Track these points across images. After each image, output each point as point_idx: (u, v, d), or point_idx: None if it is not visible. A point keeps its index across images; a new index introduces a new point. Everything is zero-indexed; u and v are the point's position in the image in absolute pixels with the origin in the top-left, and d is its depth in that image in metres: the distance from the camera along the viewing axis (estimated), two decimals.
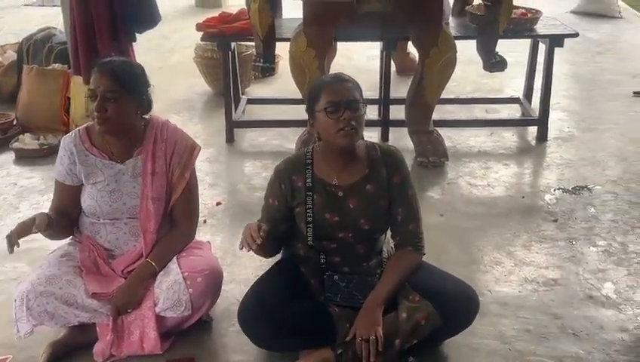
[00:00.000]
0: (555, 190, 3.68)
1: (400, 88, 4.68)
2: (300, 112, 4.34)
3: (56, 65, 4.64)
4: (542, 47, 4.34)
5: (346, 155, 2.27)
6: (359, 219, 2.29)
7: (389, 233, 2.45)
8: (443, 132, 4.14)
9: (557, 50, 4.15)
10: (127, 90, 2.37)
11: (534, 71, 4.59)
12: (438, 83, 3.90)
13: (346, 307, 2.31)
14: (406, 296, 2.25)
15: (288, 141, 4.26)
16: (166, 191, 2.48)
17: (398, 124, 4.21)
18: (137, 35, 4.06)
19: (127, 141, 2.46)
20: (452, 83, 4.08)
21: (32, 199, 3.60)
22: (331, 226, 2.29)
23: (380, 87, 4.43)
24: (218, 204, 3.50)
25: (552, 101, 4.40)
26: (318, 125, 2.25)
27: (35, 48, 4.85)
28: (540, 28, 4.22)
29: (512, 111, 4.76)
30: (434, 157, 3.93)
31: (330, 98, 2.19)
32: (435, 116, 4.10)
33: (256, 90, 5.26)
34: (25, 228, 2.24)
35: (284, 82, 5.05)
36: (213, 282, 2.41)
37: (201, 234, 3.04)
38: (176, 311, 2.33)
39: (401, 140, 4.15)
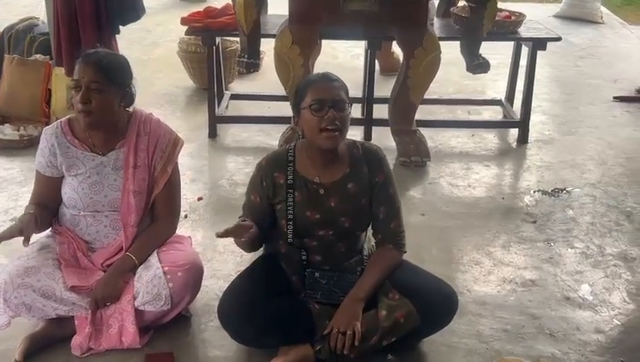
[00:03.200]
0: (534, 192, 3.71)
1: (384, 87, 4.68)
2: (283, 109, 4.36)
3: (38, 56, 4.59)
4: (525, 50, 4.37)
5: (328, 154, 2.28)
6: (340, 217, 2.29)
7: (370, 231, 2.46)
8: (425, 132, 4.15)
9: (539, 53, 4.18)
10: (111, 81, 2.35)
11: (517, 73, 4.62)
12: (421, 83, 3.91)
13: (326, 304, 2.32)
14: (386, 293, 2.26)
15: (271, 137, 4.26)
16: (148, 184, 2.47)
17: (382, 123, 4.21)
18: (121, 27, 4.04)
19: (109, 133, 2.45)
20: (435, 83, 4.09)
21: (11, 190, 3.56)
22: (312, 224, 2.29)
23: (364, 85, 4.43)
24: (199, 199, 3.50)
25: (534, 104, 4.43)
26: (302, 122, 2.26)
27: (17, 38, 4.79)
28: (524, 31, 4.26)
29: (494, 113, 4.79)
30: (416, 156, 3.95)
31: (316, 96, 2.20)
32: (418, 116, 4.11)
33: (240, 85, 5.24)
34: (11, 235, 2.22)
35: (268, 78, 5.03)
36: (194, 277, 2.40)
37: (182, 229, 3.03)
38: (155, 306, 2.33)
39: (384, 139, 4.16)
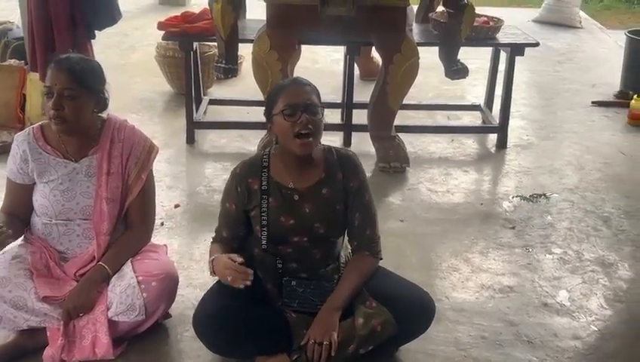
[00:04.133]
0: (513, 197, 3.73)
1: (363, 92, 4.69)
2: (262, 114, 4.31)
3: (13, 60, 4.54)
4: (503, 55, 4.40)
5: (303, 159, 2.28)
6: (314, 223, 2.29)
7: (346, 238, 2.46)
8: (405, 137, 4.17)
9: (518, 58, 4.21)
10: (84, 87, 2.33)
11: (495, 79, 4.64)
12: (400, 89, 3.92)
13: (303, 313, 2.31)
14: (363, 301, 2.26)
15: (250, 143, 4.25)
16: (121, 192, 2.45)
17: (361, 128, 4.21)
18: (97, 32, 4.00)
19: (82, 139, 2.42)
20: (414, 89, 4.11)
21: None
22: (286, 229, 2.29)
23: (344, 91, 4.44)
24: (176, 206, 3.48)
25: (512, 109, 4.46)
26: (275, 129, 2.26)
27: None
28: (502, 36, 4.28)
29: (473, 119, 4.81)
30: (395, 162, 3.96)
31: (288, 101, 2.21)
32: (397, 121, 4.12)
33: (219, 90, 5.22)
34: None
35: (246, 84, 5.03)
36: (168, 286, 2.38)
37: (158, 237, 3.02)
38: (129, 316, 2.30)
39: (364, 145, 4.16)
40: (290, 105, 2.20)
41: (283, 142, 2.26)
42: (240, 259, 2.15)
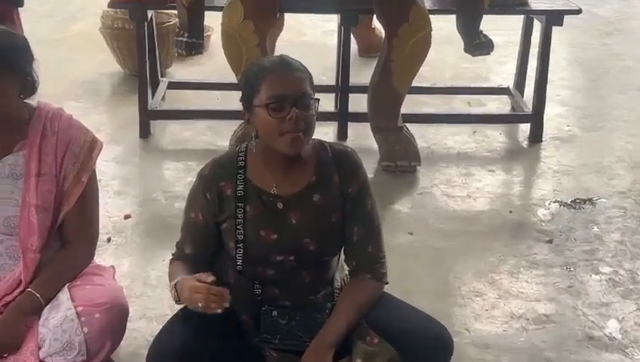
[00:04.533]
0: (550, 203, 3.75)
1: (362, 73, 4.71)
2: (235, 100, 4.29)
3: None
4: (537, 26, 4.41)
5: (290, 158, 2.27)
6: (303, 238, 2.28)
7: (343, 257, 2.44)
8: (414, 129, 4.17)
9: (555, 29, 4.22)
10: (7, 68, 2.31)
11: (527, 55, 4.66)
12: (408, 68, 3.92)
13: (286, 351, 2.29)
14: (362, 336, 2.24)
15: (221, 137, 4.24)
16: (55, 198, 2.43)
17: (360, 118, 4.22)
18: None
19: (6, 132, 2.40)
20: (426, 68, 4.12)
21: None
22: (267, 246, 2.28)
23: (338, 71, 4.46)
24: (127, 217, 3.48)
25: (549, 92, 4.48)
26: (256, 122, 2.24)
27: None
28: (535, 2, 4.30)
29: (500, 105, 4.83)
30: (403, 160, 3.96)
31: (274, 91, 2.18)
32: (404, 109, 4.13)
33: (180, 71, 5.23)
34: None
35: (215, 62, 5.03)
36: (116, 318, 2.37)
37: (104, 257, 3.01)
38: (66, 357, 2.28)
39: (363, 138, 4.17)
40: (278, 98, 2.17)
41: (266, 140, 2.24)
42: (211, 278, 2.13)
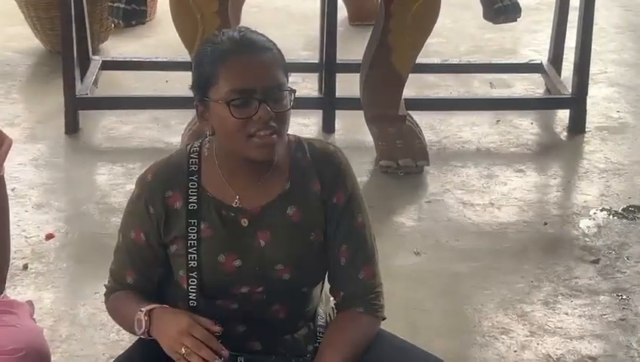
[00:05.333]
0: (596, 212, 3.77)
1: (353, 47, 4.70)
2: (188, 85, 4.28)
3: None
4: None
5: (258, 164, 2.25)
6: (274, 264, 2.26)
7: (327, 286, 2.43)
8: (421, 118, 4.18)
9: None
10: None
11: (566, 22, 4.67)
12: (411, 40, 3.94)
13: None
14: None
15: (170, 132, 4.25)
16: None
17: (350, 104, 4.23)
18: None
19: None
20: (435, 39, 4.12)
21: None
22: (228, 275, 2.26)
23: (322, 44, 4.45)
24: (49, 236, 3.48)
25: (594, 69, 4.51)
26: (213, 121, 2.21)
27: None
28: None
29: (532, 86, 4.85)
30: (406, 159, 3.98)
31: (237, 83, 2.14)
32: (408, 93, 4.13)
33: (118, 46, 5.23)
34: None
35: (162, 35, 5.03)
36: None
37: (18, 289, 3.00)
38: None
39: (355, 132, 4.17)
40: (242, 92, 2.14)
41: (227, 144, 2.23)
42: (217, 328, 2.14)
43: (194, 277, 2.26)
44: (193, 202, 2.27)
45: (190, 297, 2.27)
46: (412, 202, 3.81)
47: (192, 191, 2.27)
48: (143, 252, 2.31)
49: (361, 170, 3.97)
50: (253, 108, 2.14)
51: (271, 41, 2.23)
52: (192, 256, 2.26)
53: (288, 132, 2.34)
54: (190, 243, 2.26)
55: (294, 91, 2.21)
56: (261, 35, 2.24)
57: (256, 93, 2.14)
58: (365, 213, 2.35)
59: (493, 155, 4.21)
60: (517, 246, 3.52)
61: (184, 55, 4.07)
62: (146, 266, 2.32)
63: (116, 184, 3.87)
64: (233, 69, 2.16)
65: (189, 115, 4.05)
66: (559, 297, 3.21)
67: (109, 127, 4.37)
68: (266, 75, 2.17)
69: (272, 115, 2.14)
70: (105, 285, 2.40)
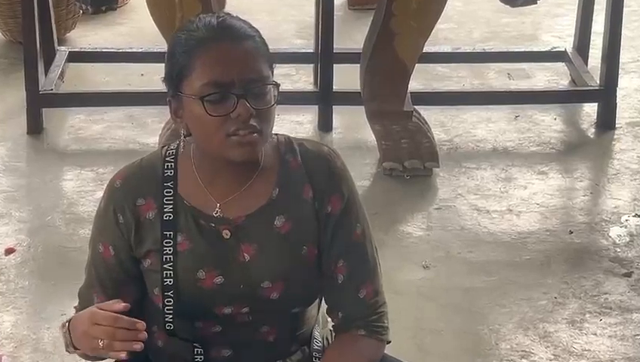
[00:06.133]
0: (628, 219, 3.79)
1: (353, 34, 4.70)
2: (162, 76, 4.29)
3: None
4: None
5: (241, 167, 2.26)
6: (261, 281, 2.26)
7: (323, 306, 2.44)
8: (430, 114, 4.19)
9: None
10: None
11: (592, 3, 4.68)
12: (417, 26, 3.97)
13: None
14: None
15: (146, 131, 4.28)
16: None
17: (349, 99, 4.26)
18: None
19: None
20: (446, 25, 4.12)
21: None
22: (209, 294, 2.27)
23: (317, 31, 4.46)
24: (9, 251, 3.50)
25: (624, 57, 4.50)
26: (188, 119, 2.23)
27: None
28: None
29: (554, 76, 4.86)
30: (413, 160, 4.01)
31: (211, 76, 2.14)
32: (415, 86, 4.14)
33: (86, 36, 5.21)
34: None
35: (136, 21, 5.02)
36: None
37: None
38: None
39: (355, 129, 4.17)
40: (217, 85, 2.14)
41: (203, 143, 2.24)
42: (120, 305, 2.11)
43: (170, 296, 2.26)
44: (169, 211, 2.27)
45: (166, 318, 2.27)
46: (420, 209, 3.83)
47: (167, 199, 2.27)
48: (111, 269, 2.30)
49: (363, 174, 3.99)
50: (230, 105, 2.13)
51: (253, 28, 2.22)
52: (168, 272, 2.26)
53: (280, 132, 2.37)
54: (165, 258, 2.25)
55: (278, 85, 2.21)
56: (242, 21, 2.24)
57: (234, 87, 2.13)
58: (365, 222, 2.35)
59: (511, 155, 4.23)
60: (539, 257, 3.54)
61: (162, 45, 4.06)
62: (115, 284, 2.30)
63: (85, 191, 3.89)
64: (208, 60, 2.15)
65: (167, 113, 4.04)
66: (587, 315, 3.23)
67: (76, 126, 4.37)
68: (246, 66, 2.16)
69: (252, 113, 2.13)
70: (74, 307, 2.39)
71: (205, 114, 2.15)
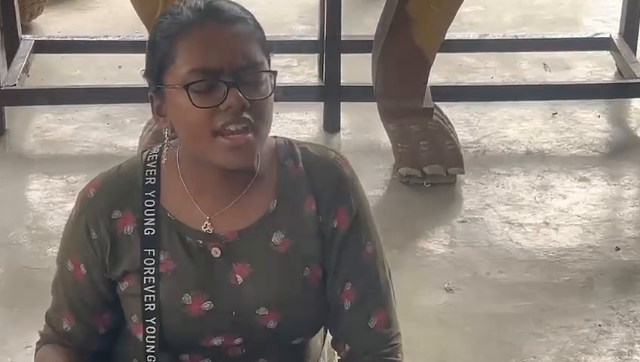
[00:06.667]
0: None
1: (363, 18, 4.69)
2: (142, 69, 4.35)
3: None
4: None
5: (232, 173, 2.22)
6: (256, 308, 2.24)
7: (329, 336, 2.44)
8: (454, 113, 4.20)
9: None
10: None
11: None
12: (438, 9, 3.94)
13: None
14: None
15: (125, 132, 4.31)
16: None
17: (359, 95, 4.27)
18: None
19: None
20: (470, 7, 4.09)
21: None
22: (196, 322, 2.24)
23: (322, 17, 4.45)
24: None
25: None
26: (172, 116, 2.20)
27: None
28: None
29: (598, 67, 4.85)
30: (434, 165, 4.00)
31: (197, 61, 2.12)
32: (435, 78, 4.11)
33: (54, 22, 5.26)
34: None
35: (113, 7, 5.04)
36: None
37: None
38: None
39: (366, 129, 4.20)
40: (204, 72, 2.11)
41: (189, 143, 2.20)
42: None
43: (152, 325, 2.25)
44: (149, 226, 2.25)
45: (147, 350, 2.25)
46: (442, 222, 3.82)
47: (148, 212, 2.26)
48: (82, 290, 2.30)
49: (375, 181, 3.98)
50: (220, 95, 2.10)
51: (245, 10, 2.21)
52: (150, 296, 2.23)
53: (279, 133, 2.30)
54: (146, 280, 2.23)
55: (275, 73, 2.18)
56: (233, 3, 2.22)
57: (223, 74, 2.11)
58: (377, 240, 2.33)
59: (548, 160, 4.22)
60: (580, 278, 3.52)
61: (142, 32, 4.10)
62: (87, 310, 2.31)
63: (54, 203, 3.90)
64: (193, 44, 2.14)
65: (149, 111, 4.03)
66: (636, 346, 3.21)
67: (44, 127, 4.40)
68: (237, 50, 2.14)
69: (245, 104, 2.10)
70: (39, 332, 2.39)
71: (191, 106, 2.12)
